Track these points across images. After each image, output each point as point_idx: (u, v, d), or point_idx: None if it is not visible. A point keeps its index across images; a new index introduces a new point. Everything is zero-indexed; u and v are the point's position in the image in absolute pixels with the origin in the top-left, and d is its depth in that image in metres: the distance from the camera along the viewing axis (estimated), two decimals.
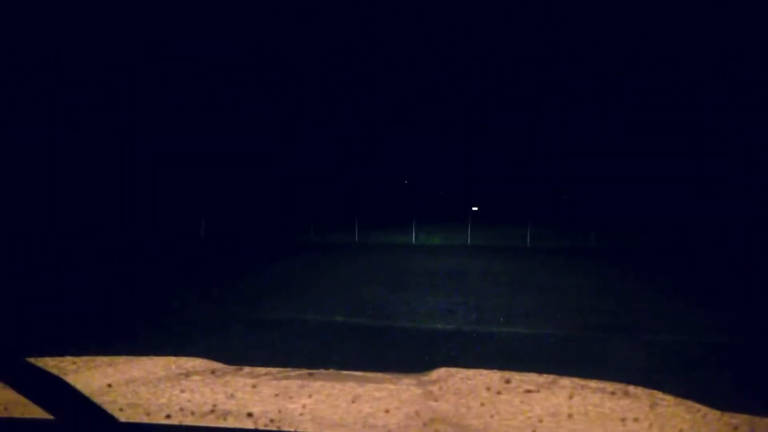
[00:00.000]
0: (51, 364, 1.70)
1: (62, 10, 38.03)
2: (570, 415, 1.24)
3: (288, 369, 1.83)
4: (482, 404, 1.34)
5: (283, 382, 1.57)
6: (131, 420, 1.14)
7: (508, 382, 1.62)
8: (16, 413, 1.14)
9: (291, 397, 1.36)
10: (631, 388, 1.52)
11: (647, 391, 1.49)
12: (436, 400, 1.38)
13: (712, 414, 1.29)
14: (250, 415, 1.17)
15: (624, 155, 47.71)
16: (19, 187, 28.76)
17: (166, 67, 44.72)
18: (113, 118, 40.30)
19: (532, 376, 1.68)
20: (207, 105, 46.60)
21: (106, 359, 1.85)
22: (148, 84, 43.08)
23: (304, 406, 1.27)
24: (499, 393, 1.46)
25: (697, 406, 1.35)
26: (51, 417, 0.96)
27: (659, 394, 1.46)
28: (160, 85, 44.16)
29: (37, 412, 1.15)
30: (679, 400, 1.40)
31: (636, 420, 1.21)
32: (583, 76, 58.62)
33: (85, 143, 37.01)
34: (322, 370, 1.95)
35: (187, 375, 1.69)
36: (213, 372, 1.76)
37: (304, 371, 1.82)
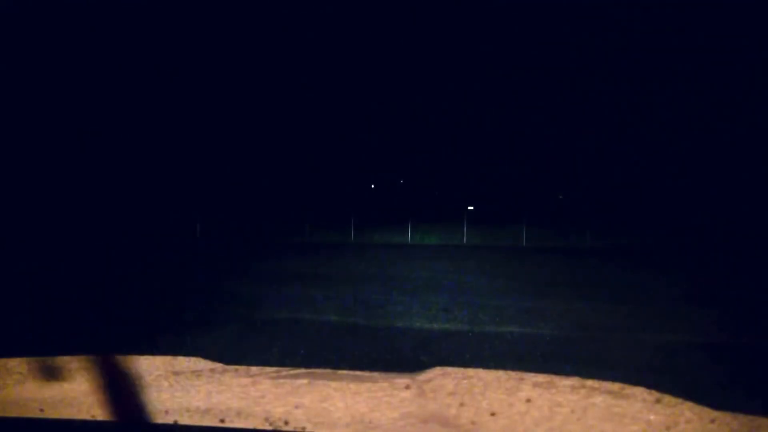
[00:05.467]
0: (48, 362, 1.71)
1: (62, 9, 37.88)
2: (568, 415, 1.24)
3: (284, 368, 1.84)
4: (477, 404, 1.35)
5: (279, 382, 1.58)
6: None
7: (503, 381, 1.62)
8: (16, 413, 1.14)
9: (287, 397, 1.37)
10: (630, 388, 1.52)
11: (646, 390, 1.49)
12: (431, 400, 1.39)
13: (712, 413, 1.30)
14: (247, 414, 1.18)
15: (621, 155, 47.82)
16: (14, 187, 28.62)
17: (163, 67, 44.61)
18: (108, 118, 40.15)
19: (528, 376, 1.69)
20: (201, 104, 46.50)
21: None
22: (143, 83, 42.96)
23: (300, 406, 1.27)
24: (494, 393, 1.46)
25: (697, 405, 1.36)
26: (50, 417, 0.96)
27: (658, 394, 1.46)
28: (156, 84, 44.02)
29: (36, 412, 1.15)
30: (678, 399, 1.40)
31: (634, 420, 1.22)
32: (580, 76, 58.75)
33: (80, 143, 36.86)
34: (318, 370, 1.96)
35: (184, 374, 1.69)
36: (210, 371, 1.77)
37: (300, 371, 1.83)
